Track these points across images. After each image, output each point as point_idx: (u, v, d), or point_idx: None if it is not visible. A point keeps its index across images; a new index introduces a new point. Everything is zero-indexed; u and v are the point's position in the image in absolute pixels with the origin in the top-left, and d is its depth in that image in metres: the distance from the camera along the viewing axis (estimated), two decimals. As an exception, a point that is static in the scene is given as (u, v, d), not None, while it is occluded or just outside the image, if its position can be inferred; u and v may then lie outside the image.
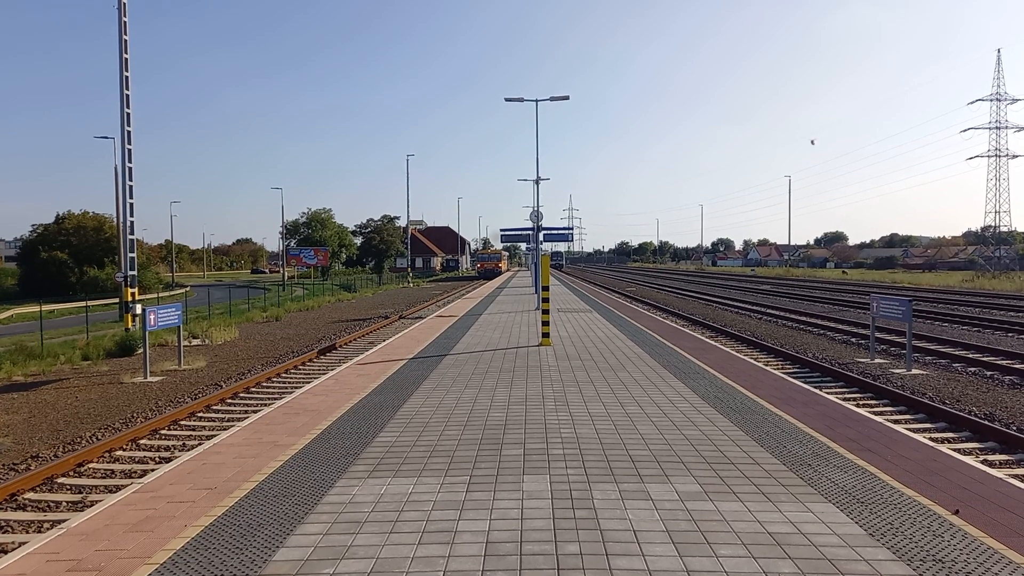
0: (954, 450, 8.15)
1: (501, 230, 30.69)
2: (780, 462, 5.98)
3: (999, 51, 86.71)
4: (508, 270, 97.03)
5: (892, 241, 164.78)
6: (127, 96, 20.34)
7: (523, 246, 40.88)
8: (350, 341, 20.57)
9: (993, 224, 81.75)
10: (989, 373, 13.73)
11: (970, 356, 15.40)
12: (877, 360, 15.44)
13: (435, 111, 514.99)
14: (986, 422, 9.44)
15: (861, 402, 11.07)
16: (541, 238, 27.86)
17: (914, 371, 13.97)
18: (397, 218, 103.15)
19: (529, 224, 28.66)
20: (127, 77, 20.43)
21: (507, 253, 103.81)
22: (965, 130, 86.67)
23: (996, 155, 79.42)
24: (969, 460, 6.12)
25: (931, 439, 8.50)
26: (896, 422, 9.63)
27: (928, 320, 24.36)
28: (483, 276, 79.25)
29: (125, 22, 20.53)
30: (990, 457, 8.24)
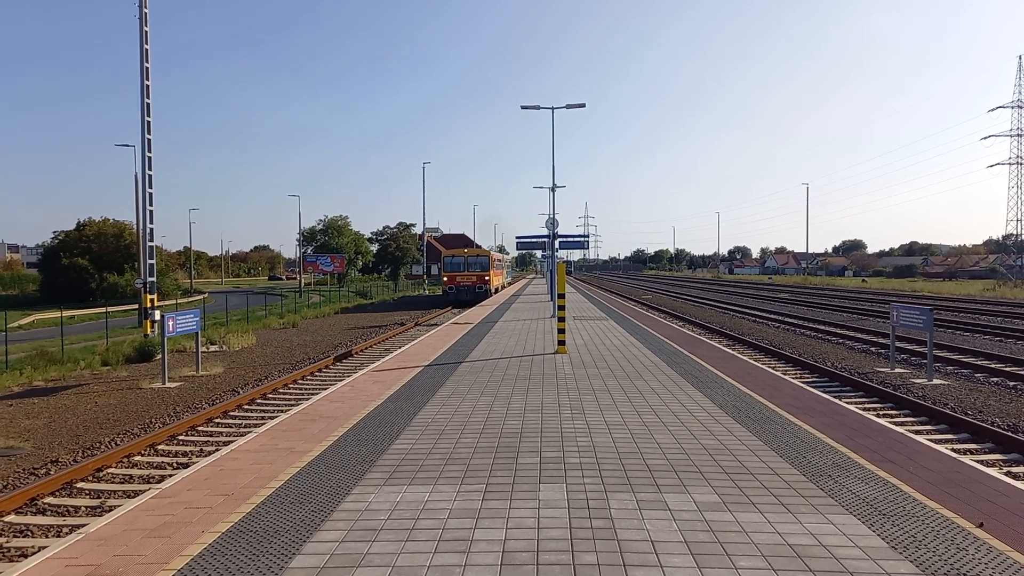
0: (977, 461, 8.00)
1: (517, 237, 30.58)
2: (800, 472, 5.91)
3: (1020, 58, 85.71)
4: (505, 284, 60.54)
5: (911, 249, 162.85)
6: (148, 105, 20.61)
7: (539, 253, 40.69)
8: (366, 348, 20.63)
9: (1015, 232, 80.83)
10: (1012, 383, 13.51)
11: (992, 366, 15.18)
12: (897, 370, 15.25)
13: (440, 113, 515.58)
14: (1010, 433, 9.29)
15: (881, 412, 10.93)
16: (557, 246, 27.80)
17: (935, 381, 13.79)
18: (413, 225, 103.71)
19: (542, 229, 28.61)
20: (148, 86, 20.70)
21: (501, 256, 63.20)
22: (986, 137, 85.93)
23: (1018, 162, 78.58)
24: (993, 472, 6.02)
25: (953, 450, 8.38)
26: (917, 433, 9.49)
27: (949, 329, 24.05)
28: (453, 300, 40.99)
29: (146, 32, 20.83)
30: (1014, 469, 8.09)
